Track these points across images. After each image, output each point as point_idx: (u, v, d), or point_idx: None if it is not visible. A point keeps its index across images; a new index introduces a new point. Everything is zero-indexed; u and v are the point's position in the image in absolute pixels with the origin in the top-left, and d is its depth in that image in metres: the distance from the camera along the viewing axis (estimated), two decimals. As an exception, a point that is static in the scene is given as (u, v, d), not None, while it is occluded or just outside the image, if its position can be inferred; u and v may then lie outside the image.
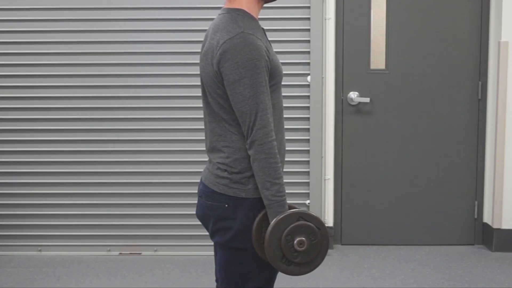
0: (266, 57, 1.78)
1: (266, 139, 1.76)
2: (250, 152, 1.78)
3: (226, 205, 1.85)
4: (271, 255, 1.78)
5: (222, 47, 1.76)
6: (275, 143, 1.78)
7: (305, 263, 1.82)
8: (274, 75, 1.83)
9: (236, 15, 1.82)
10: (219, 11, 1.91)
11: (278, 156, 1.78)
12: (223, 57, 1.75)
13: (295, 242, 1.78)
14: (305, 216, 1.80)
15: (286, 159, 3.80)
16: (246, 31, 1.76)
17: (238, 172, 1.84)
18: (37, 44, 3.89)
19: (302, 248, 1.79)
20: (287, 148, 3.80)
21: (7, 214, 3.99)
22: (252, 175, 1.83)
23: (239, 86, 1.75)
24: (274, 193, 1.77)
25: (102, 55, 3.88)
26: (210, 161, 1.94)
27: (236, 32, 1.76)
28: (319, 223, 1.82)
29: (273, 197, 1.77)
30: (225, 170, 1.85)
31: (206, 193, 1.91)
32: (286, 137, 3.83)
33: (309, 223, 1.80)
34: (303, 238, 1.79)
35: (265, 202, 1.79)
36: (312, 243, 1.80)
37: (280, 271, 1.83)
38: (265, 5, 1.99)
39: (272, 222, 1.77)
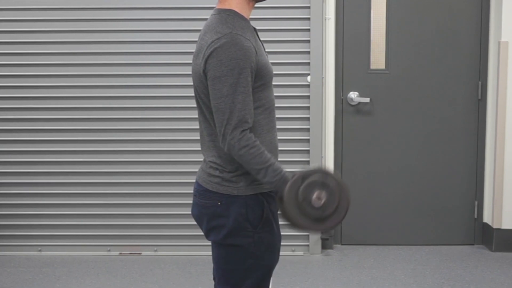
0: (253, 58, 1.78)
1: (240, 135, 1.76)
2: (231, 153, 1.79)
3: (219, 203, 1.87)
4: (305, 226, 1.79)
5: (210, 47, 1.78)
6: (250, 135, 1.77)
7: (335, 210, 1.80)
8: (262, 74, 1.84)
9: (226, 15, 1.84)
10: (211, 12, 1.93)
11: (257, 143, 1.78)
12: (210, 56, 1.77)
13: (312, 201, 1.77)
14: (307, 174, 1.80)
15: (286, 159, 3.80)
16: (234, 31, 1.78)
17: (229, 171, 1.86)
18: (37, 44, 3.89)
19: (323, 201, 1.78)
20: (287, 148, 3.81)
21: (7, 214, 3.99)
22: (244, 173, 1.86)
23: (219, 83, 1.76)
24: (272, 175, 1.78)
25: (102, 55, 3.88)
26: (204, 160, 1.96)
27: (224, 32, 1.78)
28: (322, 174, 1.81)
29: (273, 178, 1.78)
30: (217, 169, 1.88)
31: (200, 192, 1.94)
32: (286, 137, 3.83)
33: (313, 179, 1.79)
34: (317, 193, 1.78)
35: (270, 186, 1.80)
36: (328, 192, 1.79)
37: (325, 231, 1.81)
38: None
39: (284, 200, 1.77)
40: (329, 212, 1.79)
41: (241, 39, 1.77)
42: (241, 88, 1.76)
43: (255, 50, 1.81)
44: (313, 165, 1.86)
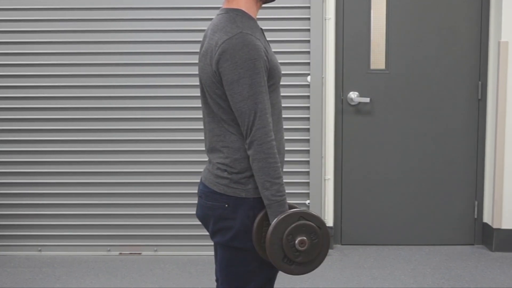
0: (265, 57, 1.78)
1: (265, 139, 1.76)
2: (249, 152, 1.78)
3: (226, 205, 1.85)
4: (273, 255, 1.79)
5: (221, 47, 1.76)
6: (274, 143, 1.78)
7: (307, 262, 1.82)
8: (272, 75, 1.83)
9: (234, 15, 1.82)
10: (217, 11, 1.91)
11: (277, 156, 1.78)
12: (222, 57, 1.75)
13: (296, 241, 1.78)
14: (306, 215, 1.80)
15: (286, 159, 3.81)
16: (244, 31, 1.76)
17: (237, 172, 1.84)
18: (37, 44, 3.89)
19: (304, 248, 1.79)
20: (287, 148, 3.81)
21: (7, 214, 3.99)
22: (252, 175, 1.83)
23: (238, 86, 1.75)
24: (274, 193, 1.77)
25: (102, 55, 3.88)
26: (210, 161, 1.94)
27: (234, 32, 1.76)
28: (319, 222, 1.82)
29: (273, 196, 1.77)
30: (225, 170, 1.85)
31: (206, 193, 1.91)
32: (286, 137, 3.83)
33: (310, 223, 1.80)
34: (304, 238, 1.79)
35: (265, 202, 1.79)
36: (313, 242, 1.80)
37: (282, 271, 1.83)
38: (265, 5, 1.99)
39: (273, 222, 1.77)
40: (301, 261, 1.81)
41: (252, 39, 1.76)
42: (260, 88, 1.76)
43: (266, 49, 1.80)
44: (314, 211, 1.86)
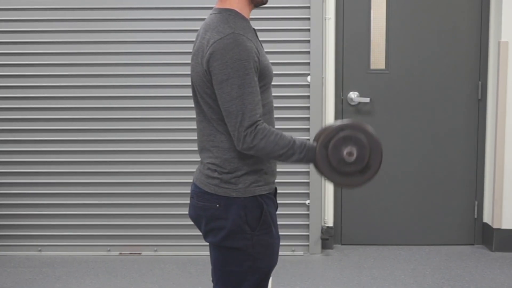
0: (256, 58, 1.78)
1: (255, 131, 1.76)
2: (251, 153, 1.78)
3: (218, 205, 1.85)
4: (348, 185, 1.85)
5: (212, 47, 1.76)
6: (263, 125, 1.77)
7: (371, 162, 1.82)
8: (263, 76, 1.83)
9: (227, 15, 1.82)
10: (210, 11, 1.91)
11: (273, 129, 1.79)
12: (212, 56, 1.76)
13: (345, 159, 1.79)
14: (325, 140, 1.80)
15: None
16: (237, 31, 1.77)
17: (228, 172, 1.84)
18: (37, 44, 3.89)
19: (354, 155, 1.79)
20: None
21: (7, 214, 3.99)
22: (243, 175, 1.84)
23: (227, 86, 1.75)
24: (300, 151, 1.78)
25: (102, 55, 3.88)
26: (201, 161, 1.94)
27: (227, 33, 1.76)
28: (339, 128, 1.81)
29: (301, 154, 1.79)
30: (215, 170, 1.86)
31: (197, 194, 1.91)
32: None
33: (335, 138, 1.80)
34: (344, 150, 1.79)
35: (301, 163, 1.82)
36: (357, 146, 1.80)
37: (366, 184, 1.84)
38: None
39: (319, 169, 1.81)
40: (365, 164, 1.81)
41: (244, 39, 1.76)
42: (249, 89, 1.75)
43: (257, 50, 1.80)
44: (335, 123, 1.85)
